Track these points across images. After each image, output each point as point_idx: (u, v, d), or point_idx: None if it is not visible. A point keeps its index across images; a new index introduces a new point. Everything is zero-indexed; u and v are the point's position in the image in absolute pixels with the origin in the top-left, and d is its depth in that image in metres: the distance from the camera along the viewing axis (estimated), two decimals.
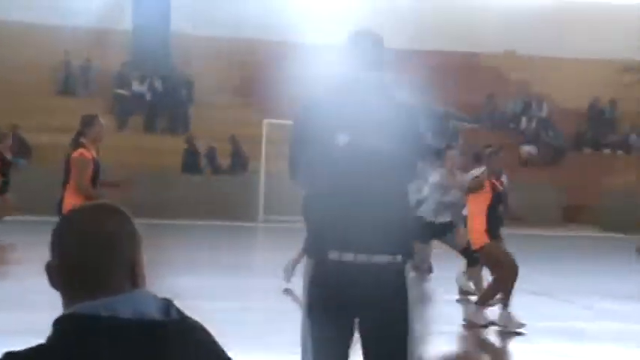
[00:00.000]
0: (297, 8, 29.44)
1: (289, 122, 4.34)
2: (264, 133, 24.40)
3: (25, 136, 24.18)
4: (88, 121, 9.53)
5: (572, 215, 26.32)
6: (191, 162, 25.20)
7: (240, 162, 25.78)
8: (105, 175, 9.74)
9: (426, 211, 11.85)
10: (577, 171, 27.32)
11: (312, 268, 4.13)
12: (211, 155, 25.70)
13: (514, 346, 9.53)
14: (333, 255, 4.06)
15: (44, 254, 2.17)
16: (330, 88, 4.27)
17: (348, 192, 4.08)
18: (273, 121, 23.20)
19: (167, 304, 2.10)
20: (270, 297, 11.77)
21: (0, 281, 12.77)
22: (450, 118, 27.10)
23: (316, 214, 4.12)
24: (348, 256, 4.05)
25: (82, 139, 9.46)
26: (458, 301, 11.81)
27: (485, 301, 10.26)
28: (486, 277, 11.12)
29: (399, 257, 4.11)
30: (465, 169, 12.38)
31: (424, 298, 12.07)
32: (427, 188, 11.88)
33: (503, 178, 11.08)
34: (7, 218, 17.57)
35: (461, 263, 12.21)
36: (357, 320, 4.16)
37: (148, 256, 2.14)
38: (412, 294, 4.20)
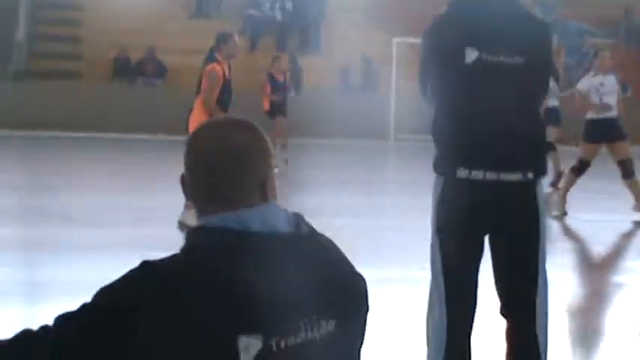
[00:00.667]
0: None
1: (419, 41, 4.30)
2: (394, 52, 24.23)
3: (160, 57, 24.77)
4: (224, 38, 9.96)
5: None
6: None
7: (371, 81, 25.75)
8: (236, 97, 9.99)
9: None
10: None
11: (441, 186, 4.12)
12: (344, 74, 25.70)
13: None
14: (462, 173, 4.03)
15: (177, 171, 2.22)
16: (461, 4, 4.21)
17: (477, 109, 4.04)
18: (404, 39, 23.01)
19: (297, 219, 2.11)
20: (402, 215, 11.80)
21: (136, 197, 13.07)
22: (585, 34, 26.41)
23: (445, 131, 4.10)
24: (478, 174, 4.00)
25: (217, 55, 9.88)
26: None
27: None
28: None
29: (530, 175, 4.06)
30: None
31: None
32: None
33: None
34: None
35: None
36: (486, 238, 4.15)
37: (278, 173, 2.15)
38: (544, 211, 4.14)
